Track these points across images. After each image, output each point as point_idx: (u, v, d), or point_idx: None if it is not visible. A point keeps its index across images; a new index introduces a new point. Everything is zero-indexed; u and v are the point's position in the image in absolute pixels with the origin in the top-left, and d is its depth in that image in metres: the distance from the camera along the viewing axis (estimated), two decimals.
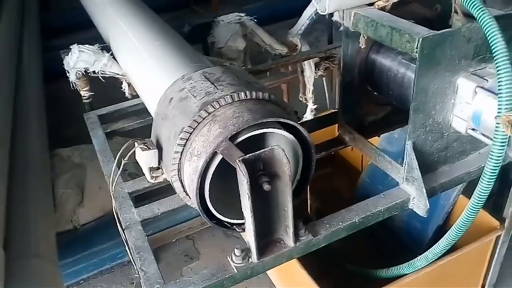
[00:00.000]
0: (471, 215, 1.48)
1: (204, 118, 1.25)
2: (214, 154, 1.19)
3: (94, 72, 2.21)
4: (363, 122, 1.89)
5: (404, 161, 1.55)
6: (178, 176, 1.31)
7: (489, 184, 1.39)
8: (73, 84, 2.26)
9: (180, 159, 1.28)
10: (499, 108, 1.30)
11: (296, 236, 1.39)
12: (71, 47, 2.17)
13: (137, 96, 2.38)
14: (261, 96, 1.31)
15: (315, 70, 2.74)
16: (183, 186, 1.33)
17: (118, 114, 2.34)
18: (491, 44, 1.29)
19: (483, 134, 1.46)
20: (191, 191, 1.25)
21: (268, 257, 1.37)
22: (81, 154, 3.16)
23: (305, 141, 1.32)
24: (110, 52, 2.19)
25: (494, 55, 1.29)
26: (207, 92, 1.30)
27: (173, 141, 1.27)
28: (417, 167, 1.50)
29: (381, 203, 1.54)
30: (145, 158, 1.33)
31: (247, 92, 1.28)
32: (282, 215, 1.35)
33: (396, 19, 1.45)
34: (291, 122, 1.27)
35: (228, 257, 1.38)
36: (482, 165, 1.64)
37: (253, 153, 1.20)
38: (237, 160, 1.17)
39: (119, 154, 1.37)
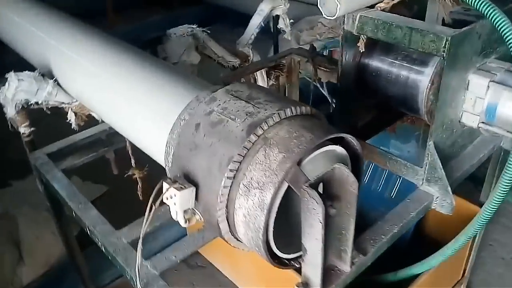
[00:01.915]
0: (496, 202, 1.50)
1: (253, 143, 1.08)
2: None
3: (37, 103, 1.86)
4: (354, 127, 1.84)
5: (424, 162, 1.53)
6: (226, 214, 1.11)
7: None
8: (10, 121, 1.87)
9: (228, 195, 1.09)
10: None
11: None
12: (6, 76, 1.79)
13: (84, 127, 2.08)
14: (304, 111, 1.17)
15: (267, 79, 2.66)
16: (229, 226, 1.14)
17: (68, 150, 1.99)
18: (506, 39, 1.32)
19: (498, 127, 1.49)
20: (252, 229, 1.07)
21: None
22: (1, 202, 2.67)
23: (356, 155, 1.21)
24: (54, 79, 1.86)
25: (508, 41, 1.31)
26: (247, 112, 1.13)
27: (218, 174, 1.08)
28: (441, 166, 1.49)
29: (411, 208, 1.50)
30: (181, 199, 1.10)
31: (293, 109, 1.14)
32: (337, 239, 1.22)
33: (411, 20, 1.42)
34: (350, 138, 1.16)
35: None
36: (481, 155, 1.71)
37: (317, 177, 1.06)
38: (304, 187, 1.03)
39: (151, 200, 1.12)
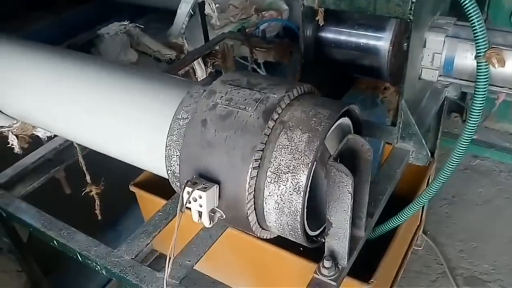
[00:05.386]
0: (462, 151, 1.63)
1: (272, 129, 1.07)
2: None
3: None
4: None
5: (398, 121, 1.62)
6: (254, 205, 1.09)
7: (478, 120, 1.55)
8: None
9: (255, 185, 1.07)
10: (478, 49, 1.45)
11: None
12: None
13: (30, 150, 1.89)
14: (307, 89, 1.18)
15: (205, 67, 2.60)
16: (258, 218, 1.12)
17: (19, 177, 1.79)
18: None
19: (455, 77, 1.62)
20: (287, 214, 1.06)
21: (352, 256, 1.27)
22: None
23: (358, 123, 1.25)
24: None
25: (464, 4, 1.42)
26: (256, 99, 1.10)
27: (243, 166, 1.05)
28: (414, 122, 1.59)
29: (395, 166, 1.59)
30: (207, 198, 1.06)
31: (298, 88, 1.14)
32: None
33: None
34: (354, 108, 1.19)
35: (316, 275, 1.23)
36: (435, 107, 1.85)
37: (337, 150, 1.09)
38: (331, 163, 1.05)
39: (179, 208, 1.05)
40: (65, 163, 1.99)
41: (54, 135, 1.87)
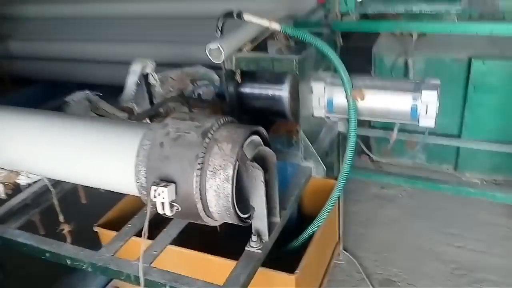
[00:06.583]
0: (347, 169, 2.26)
1: (208, 143, 1.62)
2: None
3: None
4: None
5: (300, 146, 2.24)
6: (200, 196, 1.61)
7: (354, 143, 2.20)
8: None
9: (200, 181, 1.60)
10: (346, 91, 2.14)
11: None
12: None
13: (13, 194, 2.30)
14: (229, 119, 1.77)
15: None
16: (203, 206, 1.64)
17: (4, 217, 2.19)
18: (325, 53, 2.11)
19: (336, 113, 2.29)
20: (222, 197, 1.59)
21: (272, 234, 1.81)
22: None
23: (266, 141, 1.84)
24: None
25: (331, 59, 2.11)
26: (196, 126, 1.67)
27: (190, 170, 1.59)
28: (311, 146, 2.21)
29: (301, 177, 2.18)
30: (168, 193, 1.57)
31: (223, 118, 1.72)
32: (268, 201, 1.81)
33: (268, 54, 2.15)
34: (262, 130, 1.78)
35: (246, 247, 1.75)
36: (329, 139, 2.50)
37: (252, 156, 1.66)
38: (248, 162, 1.62)
39: (149, 199, 1.55)
40: (40, 207, 2.39)
41: (33, 182, 2.31)
